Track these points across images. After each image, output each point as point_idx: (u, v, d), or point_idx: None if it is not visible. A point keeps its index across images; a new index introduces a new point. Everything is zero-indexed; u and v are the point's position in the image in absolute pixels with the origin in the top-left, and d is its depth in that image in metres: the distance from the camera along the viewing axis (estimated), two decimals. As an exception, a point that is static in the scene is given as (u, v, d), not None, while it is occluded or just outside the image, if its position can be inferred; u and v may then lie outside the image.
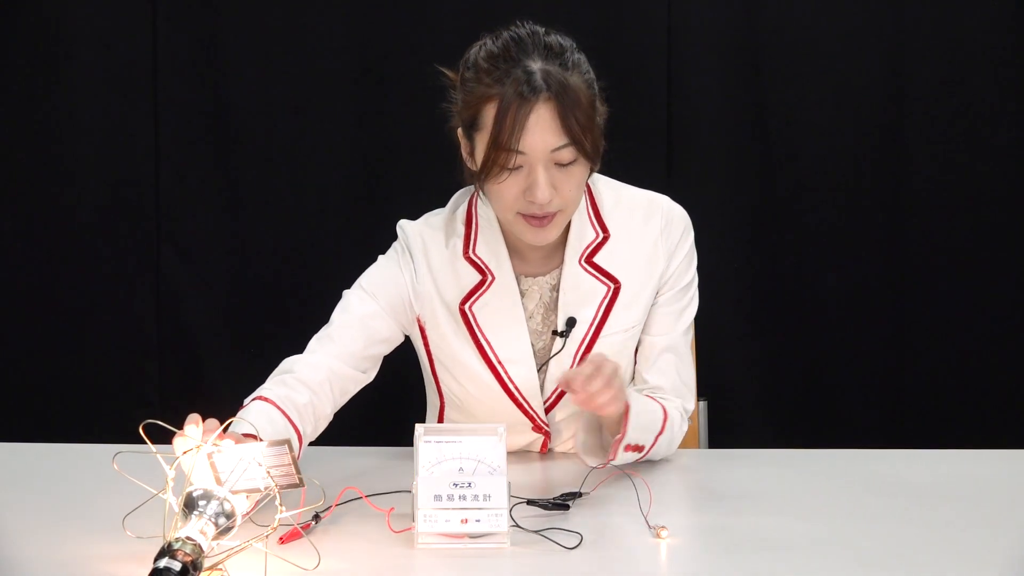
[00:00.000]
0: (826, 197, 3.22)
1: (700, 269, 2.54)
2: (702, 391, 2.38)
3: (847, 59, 3.18)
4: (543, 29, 1.83)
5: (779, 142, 3.21)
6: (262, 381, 1.90)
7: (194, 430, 1.50)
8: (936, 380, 3.23)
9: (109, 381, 3.29)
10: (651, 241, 1.96)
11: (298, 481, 1.49)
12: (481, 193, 1.88)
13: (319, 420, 1.83)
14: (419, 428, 1.62)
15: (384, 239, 2.00)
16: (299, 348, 1.93)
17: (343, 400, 1.90)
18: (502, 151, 1.75)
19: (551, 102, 1.74)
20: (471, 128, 1.81)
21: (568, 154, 1.77)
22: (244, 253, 3.29)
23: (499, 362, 1.93)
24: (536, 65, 1.76)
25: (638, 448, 1.85)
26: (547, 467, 1.97)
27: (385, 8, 3.22)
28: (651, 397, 1.94)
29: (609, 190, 1.99)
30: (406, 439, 2.17)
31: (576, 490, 1.76)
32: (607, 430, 1.88)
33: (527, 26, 1.83)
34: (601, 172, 1.97)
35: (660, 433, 1.88)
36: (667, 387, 1.98)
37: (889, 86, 3.19)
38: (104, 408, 3.27)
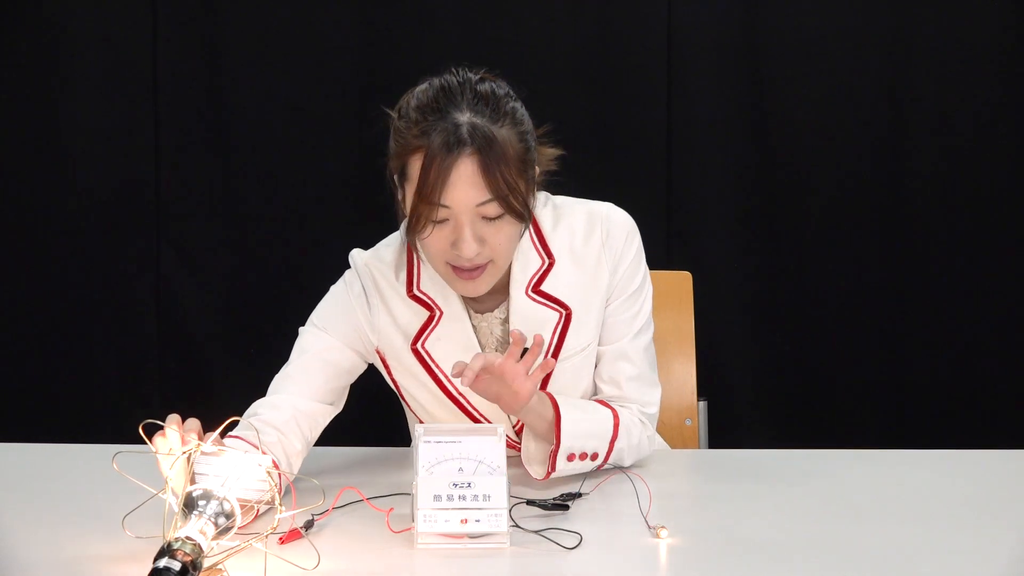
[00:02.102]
0: (826, 197, 3.22)
1: (701, 269, 2.55)
2: (702, 391, 2.38)
3: (847, 60, 3.19)
4: (476, 76, 1.79)
5: (779, 142, 3.21)
6: (262, 381, 1.90)
7: (174, 432, 1.50)
8: (936, 380, 3.23)
9: (109, 381, 3.30)
10: (594, 257, 1.92)
11: (274, 501, 1.48)
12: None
13: (291, 457, 1.80)
14: (419, 428, 1.62)
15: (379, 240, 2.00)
16: (299, 348, 1.92)
17: (315, 434, 1.87)
18: (426, 204, 1.72)
19: (475, 156, 1.70)
20: (401, 177, 1.79)
21: (493, 209, 1.74)
22: (244, 253, 3.29)
23: (460, 393, 1.91)
24: (463, 117, 1.72)
25: (591, 456, 1.83)
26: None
27: (385, 8, 3.22)
28: (601, 402, 1.91)
29: (548, 211, 1.94)
30: (405, 439, 2.18)
31: (576, 490, 1.76)
32: (545, 440, 1.84)
33: (461, 73, 1.79)
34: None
35: (614, 438, 1.85)
36: (621, 395, 1.94)
37: (889, 86, 3.19)
38: (104, 408, 3.27)
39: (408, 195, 1.77)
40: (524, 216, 1.77)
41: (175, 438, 1.50)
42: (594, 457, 1.84)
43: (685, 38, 3.19)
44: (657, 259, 1.98)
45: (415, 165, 1.74)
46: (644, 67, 3.20)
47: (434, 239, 1.77)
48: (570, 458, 1.81)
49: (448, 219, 1.75)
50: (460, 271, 1.79)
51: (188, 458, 1.47)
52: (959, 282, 3.21)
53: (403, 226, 1.92)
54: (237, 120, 3.26)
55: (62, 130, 3.26)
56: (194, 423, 1.53)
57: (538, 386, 1.75)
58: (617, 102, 3.21)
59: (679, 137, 3.22)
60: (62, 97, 3.25)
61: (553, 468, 1.80)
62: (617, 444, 1.86)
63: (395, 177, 1.82)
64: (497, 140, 1.72)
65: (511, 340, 1.73)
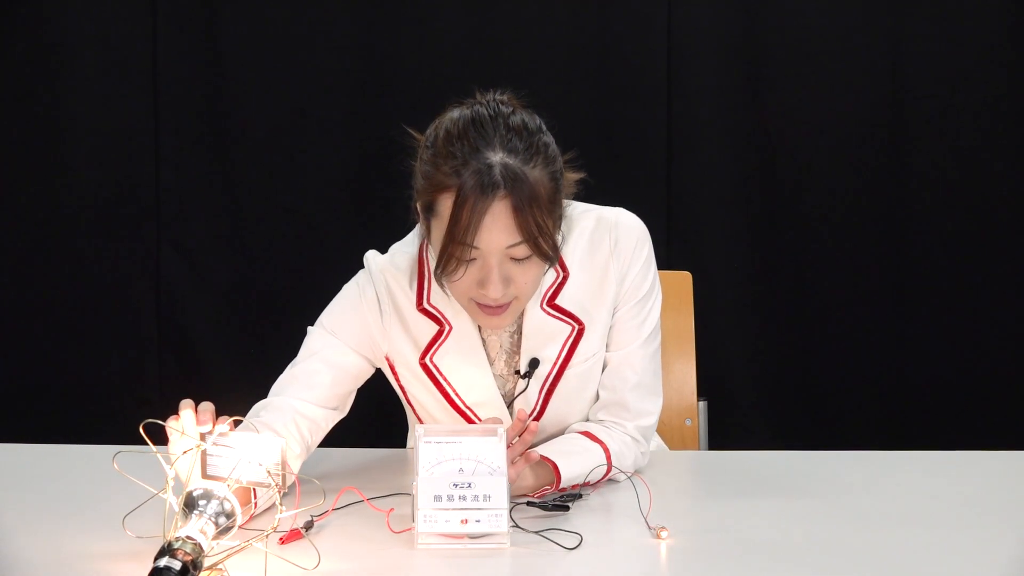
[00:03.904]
0: (826, 197, 3.22)
1: (701, 269, 2.55)
2: (702, 391, 2.38)
3: (847, 59, 3.19)
4: (509, 108, 1.75)
5: (779, 142, 3.22)
6: (262, 381, 1.89)
7: (189, 415, 1.50)
8: (936, 380, 3.23)
9: (109, 381, 3.30)
10: (602, 265, 1.90)
11: (278, 483, 1.48)
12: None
13: (289, 461, 1.78)
14: (419, 428, 1.62)
15: (383, 240, 2.00)
16: (298, 348, 1.92)
17: (316, 438, 1.86)
18: (458, 245, 1.69)
19: (507, 199, 1.67)
20: (428, 211, 1.75)
21: (522, 250, 1.71)
22: (244, 253, 3.29)
23: (467, 407, 1.91)
24: (496, 157, 1.68)
25: (583, 485, 1.82)
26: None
27: (386, 9, 3.22)
28: (590, 435, 1.89)
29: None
30: (404, 441, 2.18)
31: (576, 491, 1.76)
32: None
33: (493, 103, 1.75)
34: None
35: (607, 471, 1.84)
36: (619, 403, 1.93)
37: (889, 86, 3.20)
38: (104, 408, 3.27)
39: (435, 230, 1.74)
40: (552, 258, 1.75)
41: (189, 419, 1.50)
42: (587, 484, 1.83)
43: (685, 38, 3.19)
44: (657, 259, 1.98)
45: (445, 203, 1.70)
46: (644, 67, 3.20)
47: (461, 278, 1.74)
48: (562, 491, 1.80)
49: (476, 259, 1.72)
50: (484, 307, 1.77)
51: (198, 446, 1.48)
52: (959, 283, 3.21)
53: (416, 231, 1.91)
54: (237, 120, 3.26)
55: (62, 130, 3.26)
56: (208, 405, 1.53)
57: (518, 474, 1.73)
58: (617, 102, 3.21)
59: (679, 137, 3.22)
60: (62, 97, 3.25)
61: (539, 496, 1.78)
62: (611, 473, 1.86)
63: (419, 206, 1.78)
64: (529, 182, 1.69)
65: (516, 417, 1.73)
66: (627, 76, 3.20)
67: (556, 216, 1.77)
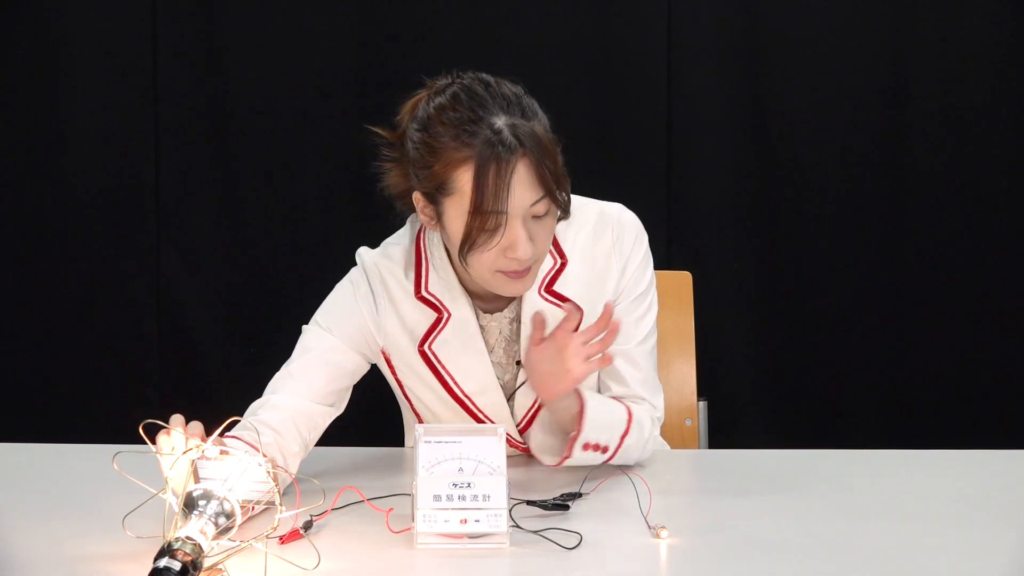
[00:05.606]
0: (826, 197, 3.22)
1: (701, 269, 2.55)
2: (702, 391, 2.38)
3: (847, 59, 3.19)
4: (492, 79, 1.77)
5: (779, 142, 3.22)
6: (262, 381, 1.89)
7: (179, 435, 1.50)
8: (936, 380, 3.23)
9: (109, 381, 3.30)
10: (603, 257, 1.92)
11: (276, 501, 1.49)
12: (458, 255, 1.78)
13: (287, 459, 1.78)
14: (419, 428, 1.62)
15: (383, 240, 2.00)
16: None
17: (314, 435, 1.85)
18: (488, 215, 1.69)
19: (527, 157, 1.69)
20: (440, 192, 1.74)
21: (543, 206, 1.73)
22: (244, 253, 3.29)
23: (465, 395, 1.91)
24: (500, 120, 1.70)
25: (602, 449, 1.83)
26: (547, 468, 1.97)
27: (386, 8, 3.22)
28: (616, 399, 1.92)
29: None
30: (403, 440, 2.18)
31: (576, 490, 1.76)
32: (563, 429, 1.86)
33: (478, 78, 1.77)
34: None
35: (626, 433, 1.85)
36: (633, 395, 1.94)
37: (889, 86, 3.20)
38: (104, 408, 3.27)
39: (450, 209, 1.73)
40: (568, 209, 1.78)
41: (179, 439, 1.50)
42: (604, 450, 1.83)
43: (685, 38, 3.20)
44: (657, 259, 1.99)
45: (462, 178, 1.70)
46: (644, 67, 3.20)
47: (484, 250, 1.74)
48: (585, 447, 1.81)
49: (500, 225, 1.72)
50: (509, 274, 1.77)
51: (191, 460, 1.47)
52: (959, 282, 3.21)
53: (408, 224, 1.92)
54: (237, 120, 3.26)
55: (62, 130, 3.26)
56: (197, 427, 1.53)
57: (590, 374, 1.75)
58: (617, 102, 3.21)
59: (679, 137, 3.22)
60: (62, 98, 3.25)
61: (569, 454, 1.80)
62: (627, 440, 1.86)
63: (420, 194, 1.77)
64: (538, 136, 1.72)
65: (533, 324, 1.75)
66: (627, 76, 3.20)
67: (563, 172, 1.78)
